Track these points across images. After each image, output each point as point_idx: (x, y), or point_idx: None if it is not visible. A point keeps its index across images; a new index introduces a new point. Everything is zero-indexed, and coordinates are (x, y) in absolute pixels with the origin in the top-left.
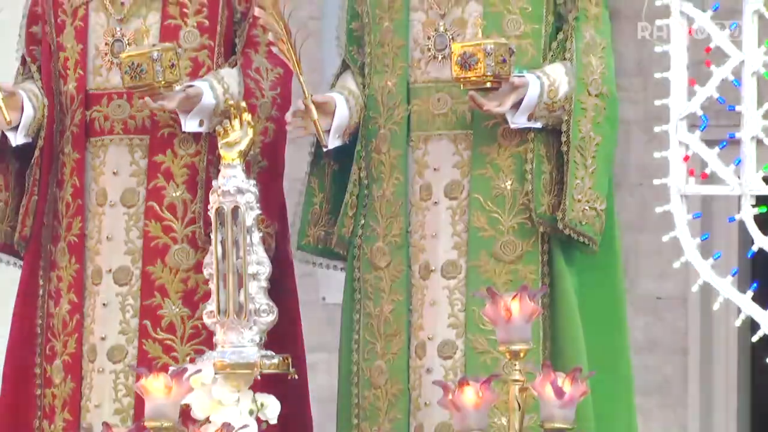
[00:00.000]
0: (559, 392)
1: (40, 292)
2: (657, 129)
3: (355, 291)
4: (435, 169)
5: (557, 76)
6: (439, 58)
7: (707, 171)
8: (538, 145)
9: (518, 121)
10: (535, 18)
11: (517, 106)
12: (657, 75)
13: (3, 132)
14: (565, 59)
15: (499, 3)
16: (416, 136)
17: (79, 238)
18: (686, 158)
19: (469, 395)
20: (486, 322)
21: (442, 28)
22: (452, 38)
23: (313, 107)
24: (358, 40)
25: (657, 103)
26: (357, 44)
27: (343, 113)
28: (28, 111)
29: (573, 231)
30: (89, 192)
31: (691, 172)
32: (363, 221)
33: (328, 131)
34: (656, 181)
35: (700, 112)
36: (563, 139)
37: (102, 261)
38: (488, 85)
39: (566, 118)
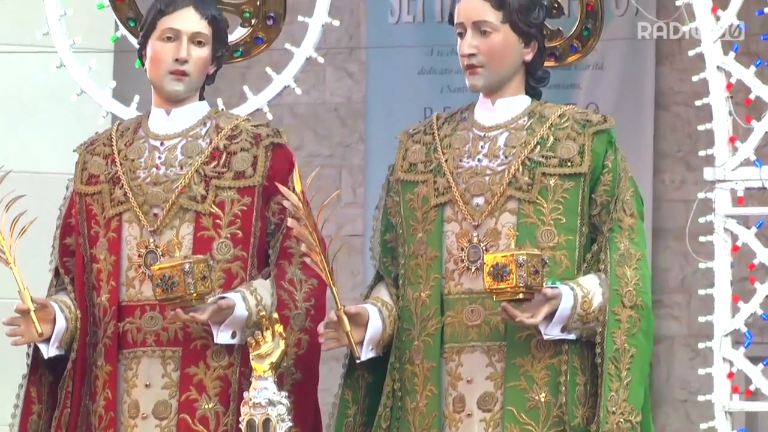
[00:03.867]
0: None
1: None
2: (701, 345)
3: None
4: (468, 381)
5: (591, 287)
6: (473, 269)
7: (751, 387)
8: (572, 357)
9: (552, 332)
10: (569, 229)
11: (550, 317)
12: (701, 292)
13: (35, 344)
14: (599, 270)
15: (532, 214)
16: (450, 348)
17: None
18: (730, 375)
19: None
20: None
21: (475, 240)
22: (485, 249)
23: (345, 319)
24: (392, 251)
25: (701, 319)
26: (391, 255)
27: (376, 325)
28: (60, 323)
29: None
30: (121, 404)
31: (735, 389)
32: None
33: (362, 343)
34: (701, 398)
35: (744, 329)
36: (597, 350)
37: None
38: (521, 296)
39: (600, 329)
